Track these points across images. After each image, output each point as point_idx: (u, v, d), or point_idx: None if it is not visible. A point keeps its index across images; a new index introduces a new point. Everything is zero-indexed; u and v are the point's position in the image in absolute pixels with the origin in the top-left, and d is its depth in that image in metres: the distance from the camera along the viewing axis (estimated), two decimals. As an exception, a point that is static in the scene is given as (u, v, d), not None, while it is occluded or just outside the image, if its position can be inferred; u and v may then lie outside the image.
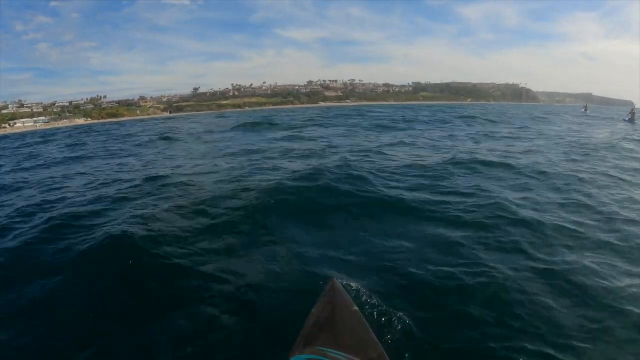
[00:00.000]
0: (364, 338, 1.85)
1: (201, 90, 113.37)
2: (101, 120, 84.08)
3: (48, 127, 72.12)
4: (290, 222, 5.20)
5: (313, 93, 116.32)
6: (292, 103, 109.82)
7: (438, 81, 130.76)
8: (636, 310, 3.19)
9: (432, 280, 3.62)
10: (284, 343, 1.98)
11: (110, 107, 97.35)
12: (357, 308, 1.99)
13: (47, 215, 6.02)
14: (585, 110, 43.18)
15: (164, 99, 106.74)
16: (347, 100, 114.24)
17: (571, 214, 5.38)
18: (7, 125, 77.04)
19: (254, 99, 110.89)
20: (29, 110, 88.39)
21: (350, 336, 1.84)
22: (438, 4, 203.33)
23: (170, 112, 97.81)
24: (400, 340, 2.72)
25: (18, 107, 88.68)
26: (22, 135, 42.44)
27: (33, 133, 44.95)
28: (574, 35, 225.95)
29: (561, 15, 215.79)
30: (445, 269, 3.81)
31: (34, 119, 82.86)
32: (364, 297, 3.00)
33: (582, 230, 4.81)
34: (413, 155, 10.51)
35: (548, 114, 37.79)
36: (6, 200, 7.81)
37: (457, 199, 6.01)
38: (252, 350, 2.75)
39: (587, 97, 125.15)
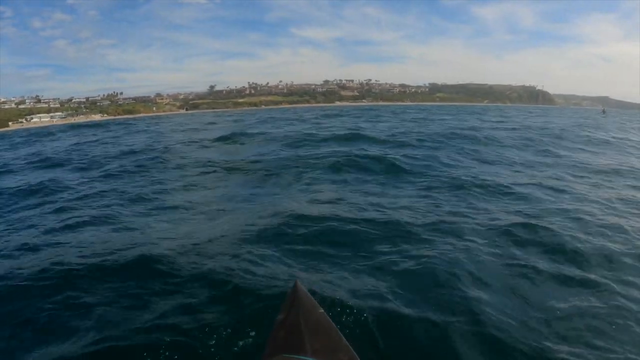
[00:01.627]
0: (333, 341, 1.80)
1: (217, 88, 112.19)
2: (117, 117, 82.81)
3: (67, 122, 70.77)
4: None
5: (329, 92, 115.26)
6: (308, 102, 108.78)
7: (454, 82, 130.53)
8: None
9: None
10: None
11: (127, 103, 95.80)
12: (323, 311, 1.91)
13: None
14: (604, 113, 45.09)
15: (181, 97, 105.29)
16: (364, 100, 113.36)
17: None
18: (24, 121, 75.58)
19: (270, 98, 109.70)
20: (46, 105, 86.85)
21: (319, 340, 1.77)
22: (454, 4, 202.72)
23: (187, 110, 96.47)
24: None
25: (35, 102, 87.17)
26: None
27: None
28: (591, 37, 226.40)
29: (578, 16, 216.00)
30: None
31: (51, 114, 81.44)
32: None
33: None
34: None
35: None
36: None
37: None
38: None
39: (604, 101, 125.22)
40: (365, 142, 13.86)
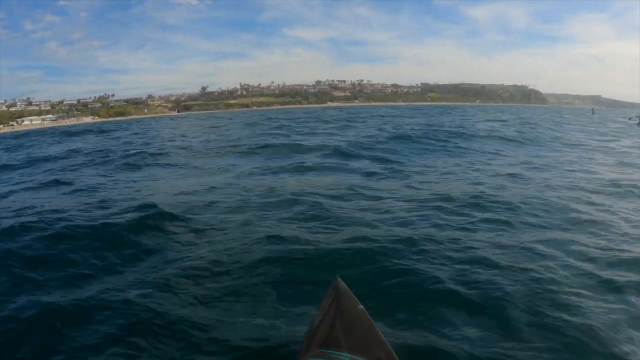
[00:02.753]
0: (370, 338, 1.80)
1: (209, 89, 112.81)
2: (108, 119, 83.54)
3: (57, 124, 71.51)
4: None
5: (321, 93, 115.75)
6: (300, 103, 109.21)
7: (446, 82, 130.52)
8: None
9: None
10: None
11: (118, 105, 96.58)
12: (362, 307, 1.92)
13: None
14: (593, 113, 44.62)
15: (172, 98, 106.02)
16: (356, 101, 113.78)
17: None
18: (14, 123, 76.37)
19: (262, 99, 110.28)
20: (37, 108, 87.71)
21: (356, 336, 1.79)
22: (446, 4, 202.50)
23: (178, 111, 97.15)
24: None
25: (26, 105, 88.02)
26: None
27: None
28: (582, 37, 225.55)
29: (570, 16, 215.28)
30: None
31: (42, 117, 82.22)
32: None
33: None
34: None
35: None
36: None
37: None
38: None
39: (596, 99, 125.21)
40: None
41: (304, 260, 4.27)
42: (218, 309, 3.49)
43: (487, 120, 30.35)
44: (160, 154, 14.45)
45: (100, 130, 32.85)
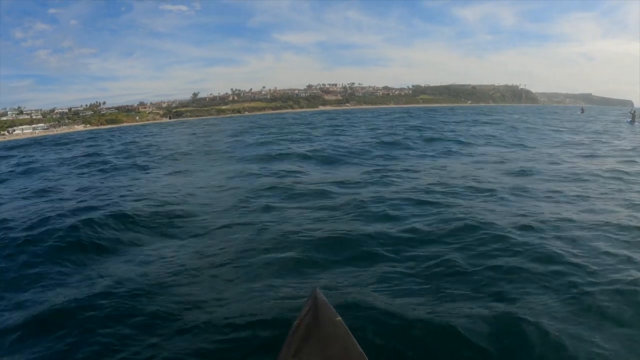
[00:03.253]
0: (348, 349, 1.80)
1: (201, 95, 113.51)
2: (100, 127, 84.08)
3: (48, 133, 72.01)
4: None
5: (313, 97, 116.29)
6: (291, 108, 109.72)
7: (437, 84, 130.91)
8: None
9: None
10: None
11: (110, 113, 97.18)
12: (340, 319, 1.93)
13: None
14: (582, 112, 43.94)
15: (164, 105, 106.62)
16: (347, 104, 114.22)
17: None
18: (6, 133, 76.87)
19: (253, 104, 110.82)
20: (28, 117, 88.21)
21: (334, 347, 1.81)
22: (434, 5, 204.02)
23: (170, 118, 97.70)
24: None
25: (17, 114, 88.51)
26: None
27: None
28: (572, 36, 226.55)
29: (558, 15, 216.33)
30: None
31: (33, 125, 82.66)
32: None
33: None
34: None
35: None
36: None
37: None
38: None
39: (587, 98, 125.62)
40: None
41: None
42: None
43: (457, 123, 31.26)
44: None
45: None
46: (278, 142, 19.88)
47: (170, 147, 21.42)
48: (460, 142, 16.63)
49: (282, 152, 15.40)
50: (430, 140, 17.76)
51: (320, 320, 1.92)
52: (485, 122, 30.40)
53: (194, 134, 33.11)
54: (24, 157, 22.55)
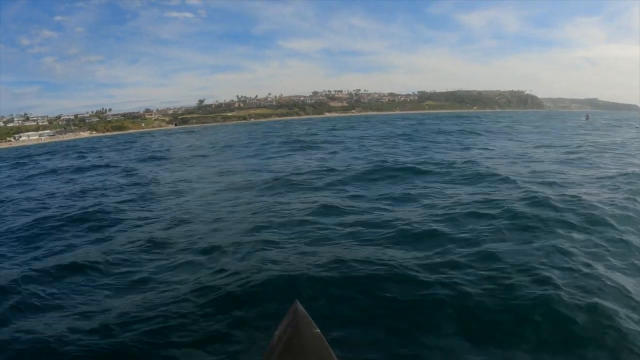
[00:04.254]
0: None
1: (206, 102, 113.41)
2: (106, 133, 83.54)
3: (55, 140, 71.37)
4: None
5: (318, 104, 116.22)
6: (297, 114, 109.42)
7: (443, 90, 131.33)
8: None
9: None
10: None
11: (116, 120, 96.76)
12: (319, 331, 1.98)
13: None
14: (587, 118, 43.19)
15: (170, 112, 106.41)
16: (353, 111, 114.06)
17: None
18: (12, 139, 76.26)
19: (259, 111, 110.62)
20: (35, 123, 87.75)
21: (311, 358, 1.84)
22: (438, 12, 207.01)
23: (176, 125, 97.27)
24: None
25: (24, 120, 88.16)
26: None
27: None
28: (576, 41, 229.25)
29: (562, 20, 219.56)
30: None
31: (39, 132, 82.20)
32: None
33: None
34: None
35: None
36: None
37: None
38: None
39: (593, 103, 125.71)
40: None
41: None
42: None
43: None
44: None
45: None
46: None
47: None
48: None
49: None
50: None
51: (300, 332, 1.94)
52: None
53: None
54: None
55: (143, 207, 8.45)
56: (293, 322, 2.02)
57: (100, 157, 23.59)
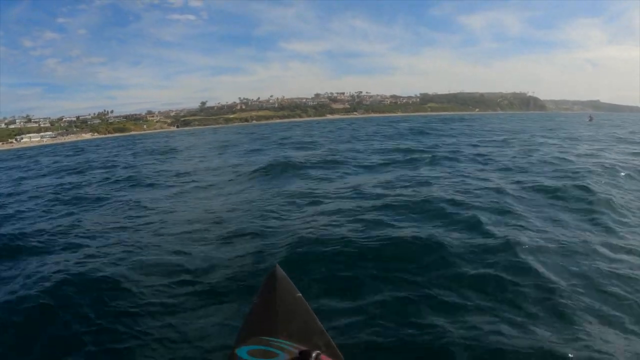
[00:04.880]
0: (309, 325, 1.80)
1: (209, 104, 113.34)
2: (108, 135, 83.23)
3: (56, 141, 71.03)
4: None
5: (320, 106, 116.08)
6: (299, 116, 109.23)
7: (445, 91, 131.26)
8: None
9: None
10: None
11: (118, 121, 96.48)
12: (300, 295, 1.90)
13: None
14: (591, 120, 42.43)
15: (172, 114, 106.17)
16: (355, 113, 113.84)
17: None
18: (13, 141, 75.98)
19: (261, 113, 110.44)
20: (37, 125, 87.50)
21: (295, 323, 1.79)
22: (440, 14, 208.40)
23: (178, 127, 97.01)
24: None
25: (25, 122, 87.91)
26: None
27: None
28: (578, 42, 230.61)
29: (564, 21, 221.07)
30: None
31: (41, 133, 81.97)
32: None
33: None
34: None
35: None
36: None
37: None
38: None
39: (595, 104, 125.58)
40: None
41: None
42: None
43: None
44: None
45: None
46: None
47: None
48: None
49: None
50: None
51: (280, 296, 1.89)
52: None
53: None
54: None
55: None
56: (273, 286, 1.93)
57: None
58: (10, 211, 8.17)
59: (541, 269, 3.56)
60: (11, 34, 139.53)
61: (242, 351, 1.72)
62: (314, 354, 1.61)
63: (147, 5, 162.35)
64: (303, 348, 1.67)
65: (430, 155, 11.70)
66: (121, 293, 3.61)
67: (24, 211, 8.11)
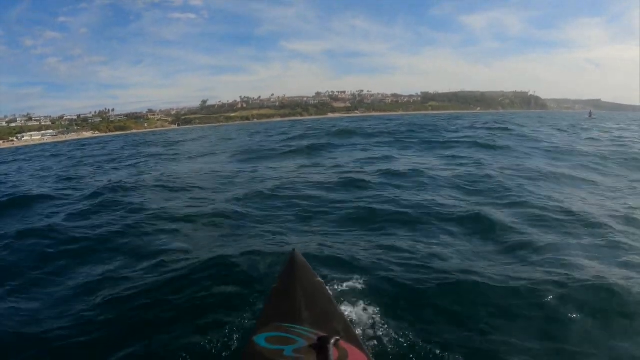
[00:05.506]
0: (328, 310, 1.81)
1: (210, 102, 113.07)
2: (108, 134, 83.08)
3: (57, 140, 70.92)
4: None
5: (321, 105, 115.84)
6: (300, 115, 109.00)
7: (446, 90, 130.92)
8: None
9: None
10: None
11: (119, 120, 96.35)
12: (320, 279, 1.93)
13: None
14: (591, 115, 44.65)
15: (173, 112, 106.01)
16: (356, 111, 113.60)
17: None
18: (14, 139, 75.84)
19: (262, 111, 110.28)
20: (38, 123, 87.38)
21: (314, 309, 1.80)
22: (441, 14, 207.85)
23: (179, 125, 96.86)
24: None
25: (26, 120, 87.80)
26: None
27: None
28: (579, 42, 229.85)
29: (565, 21, 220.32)
30: None
31: (42, 132, 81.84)
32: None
33: None
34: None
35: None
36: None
37: None
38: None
39: (597, 104, 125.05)
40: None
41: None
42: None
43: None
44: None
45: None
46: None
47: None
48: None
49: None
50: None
51: (299, 281, 1.88)
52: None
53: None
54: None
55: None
56: (293, 271, 1.93)
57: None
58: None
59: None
60: (13, 34, 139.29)
61: (260, 338, 1.69)
62: (332, 340, 1.57)
63: (147, 4, 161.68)
64: (322, 334, 1.63)
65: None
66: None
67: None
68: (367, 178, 7.58)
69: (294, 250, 2.08)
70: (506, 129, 19.28)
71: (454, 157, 10.66)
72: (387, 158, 10.85)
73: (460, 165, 9.11)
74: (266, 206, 5.88)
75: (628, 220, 4.58)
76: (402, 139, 16.51)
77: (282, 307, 1.81)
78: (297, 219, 5.17)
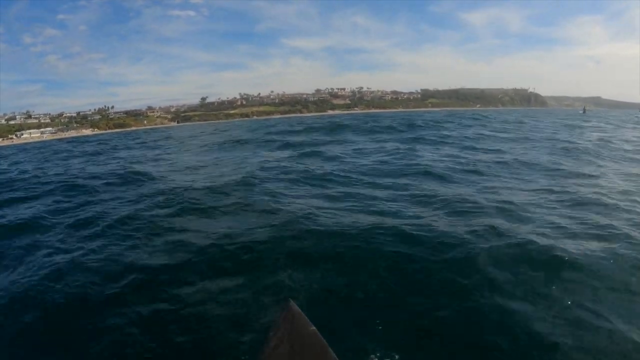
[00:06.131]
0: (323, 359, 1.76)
1: (209, 99, 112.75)
2: (108, 131, 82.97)
3: (57, 137, 70.84)
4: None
5: (321, 101, 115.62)
6: (300, 112, 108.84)
7: (446, 87, 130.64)
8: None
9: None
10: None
11: (118, 117, 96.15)
12: (315, 328, 1.87)
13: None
14: (584, 112, 46.44)
15: (172, 109, 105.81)
16: (356, 108, 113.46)
17: None
18: (14, 137, 75.73)
19: (262, 108, 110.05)
20: (37, 121, 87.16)
21: (309, 358, 1.77)
22: (441, 10, 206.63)
23: (178, 122, 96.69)
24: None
25: (26, 118, 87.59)
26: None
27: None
28: (579, 39, 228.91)
29: (565, 19, 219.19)
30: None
31: (41, 129, 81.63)
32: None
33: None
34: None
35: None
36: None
37: None
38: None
39: (596, 101, 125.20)
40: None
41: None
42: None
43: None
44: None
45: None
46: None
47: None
48: None
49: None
50: None
51: (295, 331, 1.91)
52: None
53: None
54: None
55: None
56: (287, 321, 1.96)
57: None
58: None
59: None
60: (12, 31, 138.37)
61: None
62: None
63: (147, 1, 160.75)
64: None
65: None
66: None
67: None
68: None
69: (289, 300, 2.09)
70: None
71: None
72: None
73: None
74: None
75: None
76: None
77: (277, 356, 1.83)
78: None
